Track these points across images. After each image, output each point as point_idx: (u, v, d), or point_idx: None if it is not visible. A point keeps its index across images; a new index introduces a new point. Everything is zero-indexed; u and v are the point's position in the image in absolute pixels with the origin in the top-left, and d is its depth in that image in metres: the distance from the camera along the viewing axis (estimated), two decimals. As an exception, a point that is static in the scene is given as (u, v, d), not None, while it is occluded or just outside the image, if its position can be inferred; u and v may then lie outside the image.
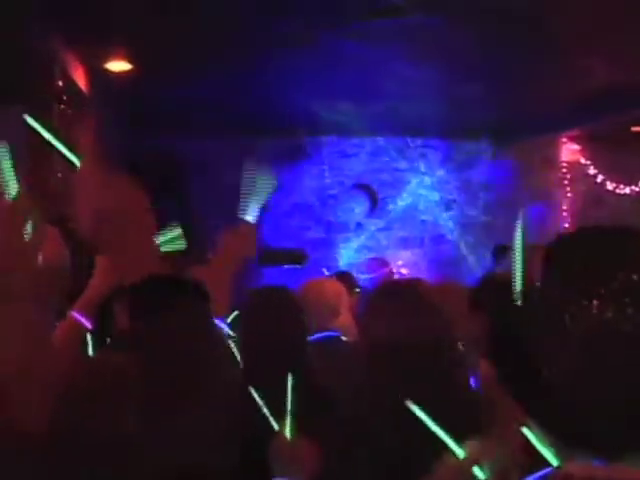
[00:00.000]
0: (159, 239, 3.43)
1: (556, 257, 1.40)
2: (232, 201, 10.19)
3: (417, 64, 7.64)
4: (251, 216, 2.96)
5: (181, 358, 1.82)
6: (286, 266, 6.00)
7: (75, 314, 2.85)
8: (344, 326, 4.59)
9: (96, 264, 3.14)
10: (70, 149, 2.20)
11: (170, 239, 3.38)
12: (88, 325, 2.88)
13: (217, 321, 2.73)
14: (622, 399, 1.25)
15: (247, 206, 2.99)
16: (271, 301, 3.89)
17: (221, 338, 2.69)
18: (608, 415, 1.25)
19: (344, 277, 6.15)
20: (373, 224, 10.97)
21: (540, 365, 1.31)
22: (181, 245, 3.14)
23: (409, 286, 3.31)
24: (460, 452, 1.85)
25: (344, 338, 4.51)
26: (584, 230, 1.47)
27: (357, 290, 5.99)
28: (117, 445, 1.62)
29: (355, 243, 10.85)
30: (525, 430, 1.50)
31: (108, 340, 3.25)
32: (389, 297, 3.10)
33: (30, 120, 2.24)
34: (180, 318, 1.93)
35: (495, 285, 3.96)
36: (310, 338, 4.42)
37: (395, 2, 6.11)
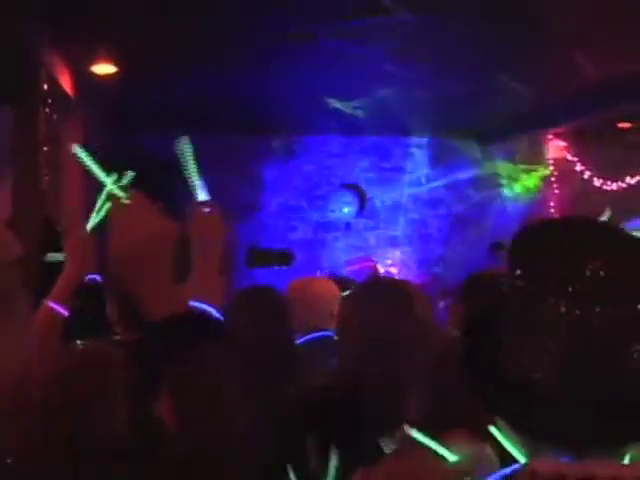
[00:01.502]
0: None
1: (520, 253, 1.38)
2: (221, 200, 10.13)
3: (403, 62, 7.63)
4: (203, 195, 2.86)
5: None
6: (274, 267, 5.97)
7: (51, 303, 2.87)
8: (331, 317, 4.55)
9: (67, 251, 3.14)
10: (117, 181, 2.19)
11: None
12: (64, 313, 2.89)
13: (210, 309, 2.64)
14: (590, 395, 1.24)
15: (195, 187, 2.88)
16: (256, 301, 3.89)
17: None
18: (576, 411, 1.24)
19: (336, 280, 6.14)
20: (361, 223, 10.96)
21: (509, 363, 1.30)
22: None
23: (389, 284, 3.30)
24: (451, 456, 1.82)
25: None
26: (547, 224, 1.45)
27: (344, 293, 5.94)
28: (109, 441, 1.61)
29: (343, 243, 10.84)
30: (493, 428, 1.48)
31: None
32: (369, 294, 3.09)
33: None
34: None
35: (478, 284, 3.98)
36: (304, 338, 4.43)
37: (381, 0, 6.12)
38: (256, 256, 6.20)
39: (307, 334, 4.40)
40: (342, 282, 6.10)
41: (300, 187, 10.67)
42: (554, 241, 1.34)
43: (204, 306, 2.60)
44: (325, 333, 4.42)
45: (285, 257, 5.95)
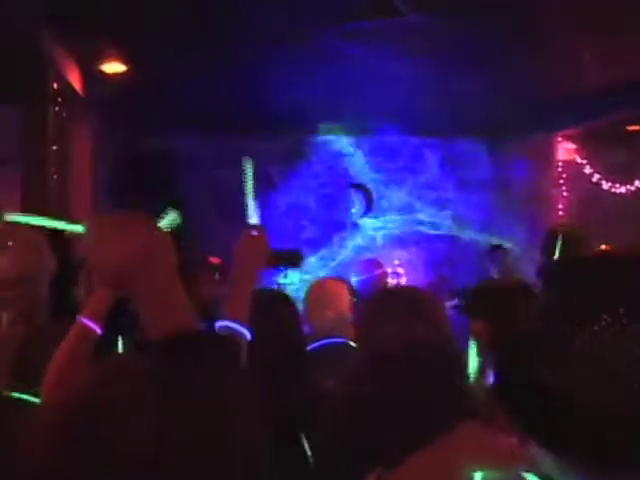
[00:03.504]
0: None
1: (556, 283, 1.38)
2: (227, 201, 10.16)
3: (413, 62, 7.63)
4: (255, 218, 2.93)
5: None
6: (284, 267, 5.95)
7: (85, 320, 2.83)
8: (346, 323, 4.52)
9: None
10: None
11: (167, 222, 3.35)
12: (98, 330, 2.85)
13: (239, 327, 2.69)
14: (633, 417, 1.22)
15: (250, 208, 2.95)
16: (268, 308, 3.87)
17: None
18: (623, 432, 1.23)
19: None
20: (369, 223, 10.95)
21: (558, 383, 1.28)
22: (177, 221, 3.08)
23: (407, 294, 3.30)
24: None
25: (352, 344, 4.44)
26: (586, 256, 1.45)
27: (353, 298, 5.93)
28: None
29: (351, 243, 10.84)
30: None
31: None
32: (388, 306, 3.09)
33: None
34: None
35: (490, 292, 3.96)
36: (316, 344, 4.40)
37: (390, 1, 6.12)
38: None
39: (321, 339, 4.40)
40: (349, 290, 6.10)
41: (308, 187, 10.66)
42: (591, 274, 1.35)
43: (236, 325, 2.64)
44: (336, 340, 4.41)
45: (295, 257, 5.89)
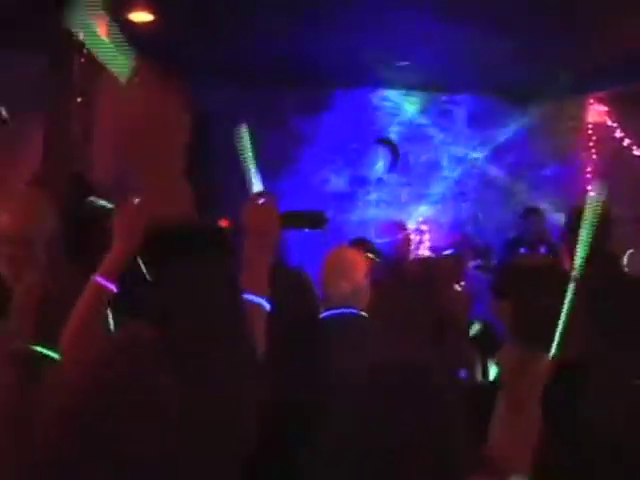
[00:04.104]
0: None
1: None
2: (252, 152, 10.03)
3: (442, 21, 7.50)
4: (258, 185, 2.83)
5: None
6: (305, 229, 5.90)
7: (100, 279, 2.80)
8: (360, 294, 4.53)
9: (115, 224, 3.01)
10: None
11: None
12: (114, 289, 2.82)
13: (260, 299, 2.66)
14: None
15: (251, 176, 2.85)
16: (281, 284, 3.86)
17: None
18: None
19: (359, 244, 6.11)
20: (394, 179, 10.85)
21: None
22: None
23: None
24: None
25: (364, 314, 4.44)
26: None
27: (371, 256, 5.91)
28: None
29: (375, 197, 10.76)
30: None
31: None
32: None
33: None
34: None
35: (520, 273, 3.92)
36: (328, 313, 4.41)
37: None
38: (288, 218, 6.11)
39: (334, 308, 4.39)
40: (363, 246, 6.08)
41: (334, 141, 10.54)
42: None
43: (254, 297, 2.61)
44: (348, 310, 4.41)
45: (317, 220, 5.83)
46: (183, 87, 2.35)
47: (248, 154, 2.86)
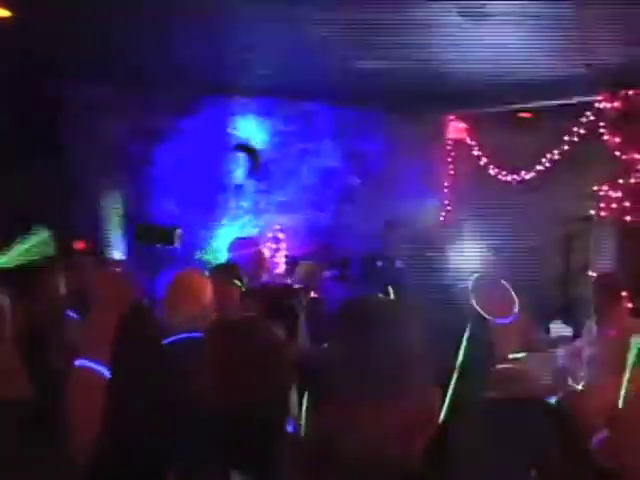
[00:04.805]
0: (22, 246, 3.21)
1: None
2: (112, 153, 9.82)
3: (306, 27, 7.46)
4: (117, 253, 2.78)
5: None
6: (158, 245, 5.79)
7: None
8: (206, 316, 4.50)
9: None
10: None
11: (36, 244, 3.19)
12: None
13: (98, 365, 2.61)
14: None
15: (111, 241, 2.80)
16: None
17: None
18: None
19: (225, 269, 6.03)
20: (253, 186, 10.77)
21: None
22: (50, 250, 2.93)
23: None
24: None
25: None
26: None
27: (237, 283, 5.82)
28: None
29: (234, 204, 10.65)
30: None
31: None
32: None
33: None
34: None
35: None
36: (174, 338, 4.34)
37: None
38: (142, 232, 6.01)
39: (180, 333, 4.36)
40: (229, 271, 6.00)
41: (194, 144, 10.38)
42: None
43: (93, 364, 2.55)
44: (194, 334, 4.38)
45: (169, 236, 5.75)
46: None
47: (114, 221, 2.80)
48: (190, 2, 6.86)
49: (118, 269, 2.79)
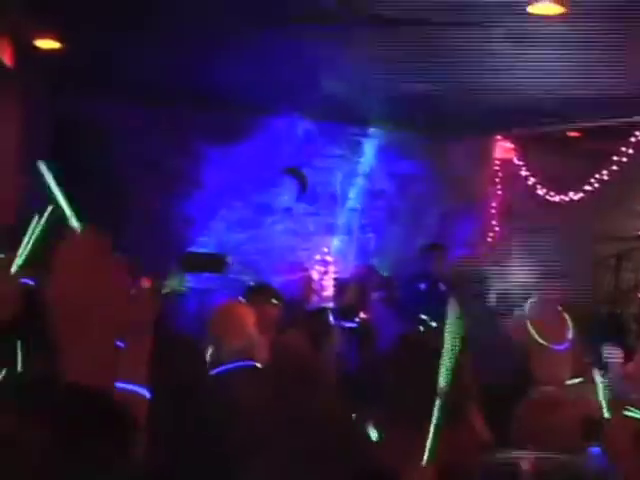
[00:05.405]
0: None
1: None
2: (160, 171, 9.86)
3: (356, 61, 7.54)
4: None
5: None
6: (206, 273, 5.86)
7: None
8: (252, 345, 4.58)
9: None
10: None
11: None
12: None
13: (138, 388, 2.65)
14: None
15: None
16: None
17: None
18: None
19: (262, 290, 6.08)
20: (301, 208, 10.81)
21: None
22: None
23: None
24: None
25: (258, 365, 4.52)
26: None
27: (274, 302, 5.88)
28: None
29: (282, 226, 10.69)
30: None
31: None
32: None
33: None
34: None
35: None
36: (222, 368, 4.42)
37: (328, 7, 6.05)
38: (189, 261, 6.08)
39: (228, 363, 4.44)
40: (265, 292, 6.05)
41: (243, 167, 10.44)
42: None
43: (132, 387, 2.59)
44: (244, 363, 4.45)
45: (217, 264, 5.81)
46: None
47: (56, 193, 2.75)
48: (246, 26, 6.97)
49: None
